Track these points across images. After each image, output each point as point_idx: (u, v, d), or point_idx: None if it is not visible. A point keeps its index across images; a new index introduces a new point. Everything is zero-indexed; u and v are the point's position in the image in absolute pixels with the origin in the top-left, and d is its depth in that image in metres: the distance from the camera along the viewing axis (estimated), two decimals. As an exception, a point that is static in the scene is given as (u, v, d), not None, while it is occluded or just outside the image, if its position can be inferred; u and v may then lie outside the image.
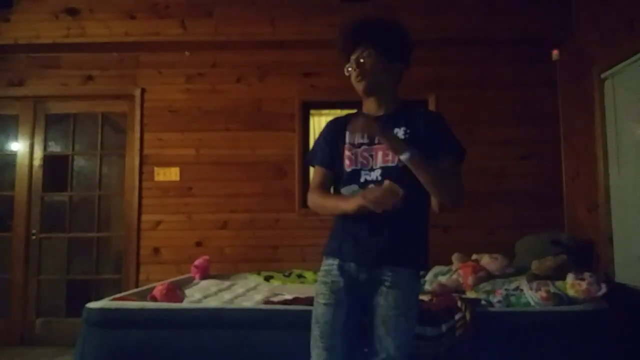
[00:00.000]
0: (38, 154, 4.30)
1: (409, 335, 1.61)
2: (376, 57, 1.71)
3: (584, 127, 3.69)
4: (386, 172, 1.62)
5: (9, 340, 4.04)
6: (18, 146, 4.32)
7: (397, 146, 1.54)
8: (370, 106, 1.77)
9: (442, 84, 4.16)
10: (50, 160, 4.33)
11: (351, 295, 1.62)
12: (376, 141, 1.66)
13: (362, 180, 1.65)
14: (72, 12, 4.02)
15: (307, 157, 1.91)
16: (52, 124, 4.38)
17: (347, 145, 1.73)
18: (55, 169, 4.31)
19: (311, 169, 1.91)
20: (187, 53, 4.24)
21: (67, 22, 4.01)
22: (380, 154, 1.66)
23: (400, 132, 1.66)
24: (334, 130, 1.81)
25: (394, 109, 1.74)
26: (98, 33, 4.01)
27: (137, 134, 4.19)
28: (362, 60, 1.71)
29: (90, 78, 4.27)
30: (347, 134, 1.73)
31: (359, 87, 1.73)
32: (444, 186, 1.59)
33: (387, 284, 1.59)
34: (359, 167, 1.68)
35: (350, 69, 1.75)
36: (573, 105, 3.92)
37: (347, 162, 1.70)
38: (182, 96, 4.23)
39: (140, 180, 4.16)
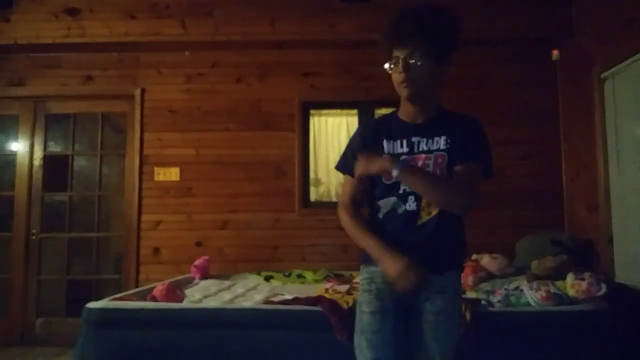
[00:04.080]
0: (38, 154, 4.30)
1: (454, 341, 1.55)
2: (428, 61, 1.55)
3: (584, 127, 3.69)
4: None
5: (9, 340, 4.04)
6: (18, 146, 4.32)
7: (385, 168, 1.48)
8: (408, 110, 1.63)
9: (441, 84, 4.15)
10: (50, 160, 4.33)
11: (398, 302, 1.54)
12: (416, 150, 1.59)
13: (401, 191, 1.57)
14: (72, 12, 4.02)
15: (338, 163, 1.75)
16: (52, 124, 4.38)
17: (385, 156, 1.60)
18: (55, 169, 4.31)
19: (338, 174, 1.79)
20: (187, 53, 4.24)
21: (67, 22, 4.01)
22: (419, 163, 1.57)
23: (441, 142, 1.57)
24: (371, 135, 1.67)
25: (434, 116, 1.63)
26: (98, 33, 4.01)
27: (137, 134, 4.19)
28: (411, 62, 1.54)
29: (90, 78, 4.27)
30: (385, 142, 1.63)
31: (404, 92, 1.58)
32: (442, 194, 1.51)
33: (433, 288, 1.53)
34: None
35: (392, 67, 1.58)
36: (573, 105, 3.92)
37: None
38: (182, 96, 4.24)
39: (140, 180, 4.16)
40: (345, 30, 3.94)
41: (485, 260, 3.16)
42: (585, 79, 3.61)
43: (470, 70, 4.17)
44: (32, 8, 4.02)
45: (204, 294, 2.94)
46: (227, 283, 3.38)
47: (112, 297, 2.55)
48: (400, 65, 1.55)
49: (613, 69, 3.28)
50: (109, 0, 4.03)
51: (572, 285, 2.42)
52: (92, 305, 2.34)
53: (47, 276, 4.22)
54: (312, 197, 4.35)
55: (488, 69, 4.18)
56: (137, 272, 4.08)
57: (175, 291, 2.77)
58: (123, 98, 4.27)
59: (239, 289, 3.19)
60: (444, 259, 1.57)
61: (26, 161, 4.28)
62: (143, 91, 4.23)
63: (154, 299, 2.66)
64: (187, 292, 3.02)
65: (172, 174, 4.17)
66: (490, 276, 2.95)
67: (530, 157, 4.08)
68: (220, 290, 3.11)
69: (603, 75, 3.40)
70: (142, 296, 2.73)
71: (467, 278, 2.89)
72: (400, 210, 1.57)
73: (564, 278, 2.53)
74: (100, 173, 4.33)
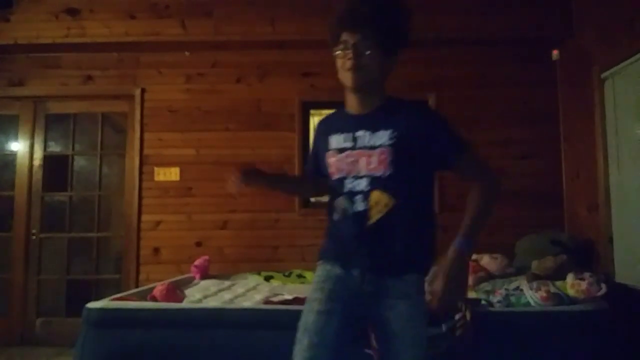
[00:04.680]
0: (38, 154, 4.30)
1: (424, 347, 1.45)
2: (376, 51, 1.48)
3: (584, 127, 3.69)
4: (373, 182, 1.47)
5: (9, 340, 4.04)
6: (18, 146, 4.32)
7: (458, 262, 1.43)
8: (352, 102, 1.57)
9: (442, 84, 4.16)
10: (50, 160, 4.33)
11: (350, 306, 1.46)
12: (359, 144, 1.50)
13: (345, 190, 1.50)
14: (72, 12, 4.02)
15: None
16: (52, 124, 4.38)
17: (331, 152, 1.56)
18: (55, 169, 4.31)
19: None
20: (187, 53, 4.24)
21: (67, 22, 4.01)
22: (363, 160, 1.49)
23: (385, 136, 1.47)
24: (320, 132, 1.66)
25: (378, 106, 1.54)
26: (98, 33, 4.01)
27: (137, 134, 4.19)
28: (361, 49, 1.47)
29: (90, 78, 4.27)
30: (331, 137, 1.57)
31: (348, 79, 1.50)
32: (492, 208, 1.55)
33: (395, 294, 1.44)
34: (343, 175, 1.52)
35: (340, 52, 1.51)
36: (573, 105, 3.92)
37: (331, 169, 1.55)
38: (182, 96, 4.24)
39: (140, 180, 4.16)
40: (345, 30, 3.94)
41: (485, 260, 3.16)
42: (585, 79, 3.61)
43: (470, 70, 4.18)
44: (32, 8, 4.02)
45: (204, 294, 2.94)
46: (227, 283, 3.38)
47: (112, 297, 2.55)
48: (350, 50, 1.48)
49: (613, 69, 3.28)
50: (109, 0, 4.03)
51: (572, 285, 2.42)
52: (92, 305, 2.34)
53: (47, 276, 4.22)
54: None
55: (488, 69, 4.18)
56: (137, 272, 4.08)
57: (175, 291, 2.78)
58: (123, 98, 4.26)
59: (239, 289, 3.19)
60: (400, 261, 1.47)
61: (26, 161, 4.28)
62: (143, 91, 4.23)
63: (154, 299, 2.66)
64: (187, 292, 3.01)
65: (172, 174, 4.17)
66: (490, 276, 2.95)
67: (530, 157, 4.08)
68: (220, 290, 3.11)
69: (603, 75, 3.40)
70: (142, 296, 2.73)
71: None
72: (349, 211, 1.49)
73: (564, 278, 2.53)
74: (100, 173, 4.33)
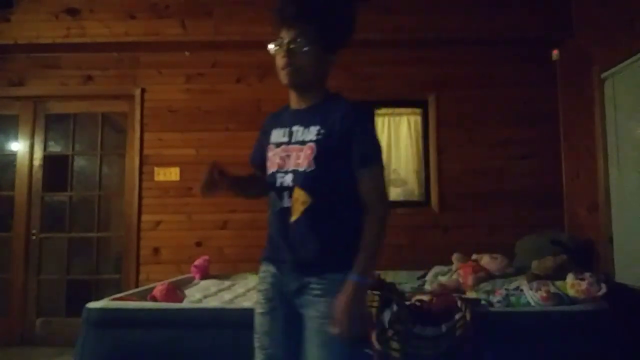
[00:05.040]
0: (38, 154, 4.30)
1: (343, 350, 1.37)
2: (311, 49, 1.45)
3: (584, 127, 3.69)
4: (297, 177, 1.44)
5: (9, 340, 4.04)
6: (18, 146, 4.32)
7: (356, 295, 1.35)
8: (293, 97, 1.55)
9: (442, 84, 4.16)
10: (50, 160, 4.33)
11: (287, 302, 1.47)
12: (293, 139, 1.49)
13: (277, 184, 1.48)
14: (72, 12, 4.02)
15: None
16: (52, 124, 4.38)
17: (270, 145, 1.55)
18: (55, 169, 4.31)
19: None
20: (187, 53, 4.24)
21: (67, 22, 4.01)
22: (294, 154, 1.46)
23: (314, 132, 1.45)
24: (266, 126, 1.62)
25: (315, 103, 1.51)
26: (98, 33, 4.01)
27: (137, 134, 4.19)
28: (292, 47, 1.44)
29: (90, 78, 4.27)
30: (273, 131, 1.56)
31: (282, 77, 1.48)
32: (381, 234, 1.43)
33: (316, 292, 1.41)
34: (276, 168, 1.50)
35: (275, 50, 1.48)
36: (573, 105, 3.92)
37: (268, 163, 1.54)
38: (182, 96, 4.23)
39: (140, 180, 4.16)
40: (345, 30, 3.94)
41: (485, 260, 3.15)
42: (585, 79, 3.61)
43: (470, 70, 4.18)
44: (32, 8, 4.02)
45: (204, 294, 2.94)
46: (227, 283, 3.38)
47: (112, 297, 2.55)
48: (283, 47, 1.45)
49: (613, 69, 3.29)
50: (109, 0, 4.03)
51: (572, 285, 2.42)
52: (92, 305, 2.34)
53: (47, 276, 4.22)
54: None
55: (488, 69, 4.18)
56: (137, 272, 4.07)
57: (175, 291, 2.78)
58: (123, 98, 4.26)
59: (239, 289, 3.19)
60: (319, 260, 1.42)
61: (26, 161, 4.28)
62: (143, 91, 4.23)
63: (154, 299, 2.66)
64: (187, 292, 3.02)
65: (172, 174, 4.17)
66: (490, 276, 2.95)
67: (530, 157, 4.08)
68: (220, 290, 3.11)
69: (603, 75, 3.40)
70: (142, 296, 2.73)
71: (467, 278, 2.89)
72: (277, 207, 1.49)
73: (564, 278, 2.53)
74: (100, 173, 4.33)
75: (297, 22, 1.45)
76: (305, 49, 1.44)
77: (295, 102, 1.55)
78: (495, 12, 3.96)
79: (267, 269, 1.55)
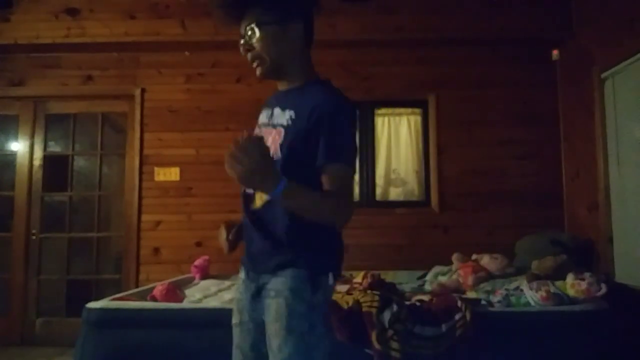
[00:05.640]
0: (38, 154, 4.30)
1: (301, 357, 1.22)
2: (263, 30, 1.31)
3: (584, 127, 3.69)
4: None
5: (9, 340, 4.04)
6: (18, 146, 4.32)
7: (267, 178, 1.14)
8: (279, 83, 1.47)
9: (442, 84, 4.16)
10: (50, 160, 4.33)
11: (254, 312, 1.35)
12: (272, 122, 1.38)
13: None
14: (72, 12, 4.02)
15: None
16: (52, 124, 4.37)
17: (256, 126, 1.48)
18: (55, 169, 4.31)
19: None
20: (187, 53, 4.24)
21: (67, 22, 4.01)
22: (269, 138, 1.33)
23: (286, 116, 1.33)
24: (262, 110, 1.53)
25: (297, 86, 1.39)
26: (98, 33, 4.01)
27: (137, 134, 4.19)
28: (247, 38, 1.34)
29: (90, 78, 4.27)
30: (262, 111, 1.48)
31: (256, 73, 1.39)
32: (320, 212, 1.23)
33: (270, 293, 1.28)
34: None
35: (242, 50, 1.37)
36: (573, 105, 3.92)
37: None
38: (182, 96, 4.23)
39: (140, 180, 4.16)
40: (345, 30, 3.94)
41: (485, 260, 3.15)
42: (585, 79, 3.61)
43: (470, 70, 4.18)
44: (32, 8, 4.02)
45: (204, 294, 2.94)
46: (227, 283, 3.38)
47: (112, 297, 2.55)
48: (242, 44, 1.35)
49: (613, 69, 3.29)
50: (109, 0, 4.03)
51: (572, 285, 2.42)
52: (92, 305, 2.34)
53: (47, 276, 4.22)
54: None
55: (488, 69, 4.18)
56: (137, 272, 4.07)
57: (175, 291, 2.78)
58: (123, 98, 4.26)
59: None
60: (278, 256, 1.29)
61: (26, 161, 4.28)
62: (143, 91, 4.23)
63: (154, 299, 2.66)
64: (187, 292, 3.02)
65: (172, 174, 4.17)
66: (490, 276, 2.95)
67: (530, 157, 4.08)
68: (220, 290, 3.10)
69: (603, 75, 3.40)
70: (142, 296, 2.73)
71: (467, 278, 2.89)
72: (246, 192, 1.39)
73: (564, 278, 2.53)
74: (100, 173, 4.33)
75: (240, 11, 1.33)
76: (257, 34, 1.31)
77: (280, 85, 1.46)
78: (495, 12, 3.96)
79: (240, 275, 1.47)
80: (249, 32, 1.32)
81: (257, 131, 1.44)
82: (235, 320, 1.42)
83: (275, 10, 1.32)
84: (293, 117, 1.31)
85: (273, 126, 1.36)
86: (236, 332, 1.41)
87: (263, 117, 1.45)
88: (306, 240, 1.29)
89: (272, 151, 1.26)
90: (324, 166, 1.25)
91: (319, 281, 1.29)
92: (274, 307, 1.26)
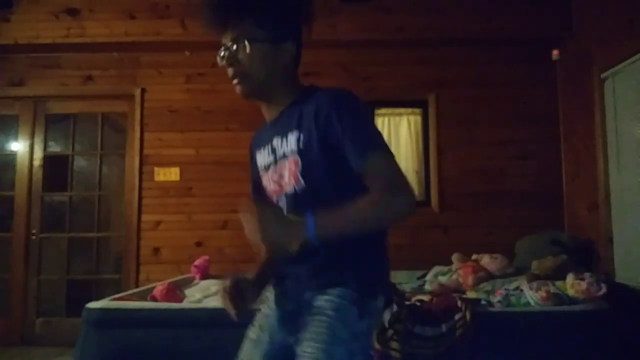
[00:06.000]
0: (38, 154, 4.30)
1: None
2: (254, 47, 1.19)
3: (584, 127, 3.69)
4: (289, 201, 1.21)
5: (9, 340, 4.04)
6: (18, 146, 4.32)
7: (292, 236, 1.04)
8: (263, 109, 1.32)
9: (442, 84, 4.16)
10: (50, 160, 4.33)
11: (278, 334, 1.26)
12: (278, 156, 1.24)
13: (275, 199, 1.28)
14: (72, 12, 4.02)
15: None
16: (52, 124, 4.37)
17: (261, 172, 1.32)
18: (55, 169, 4.31)
19: None
20: (187, 53, 4.24)
21: (67, 22, 4.01)
22: (286, 172, 1.21)
23: (292, 141, 1.18)
24: (251, 151, 1.40)
25: (287, 105, 1.26)
26: (98, 33, 4.01)
27: (137, 134, 4.19)
28: (234, 51, 1.21)
29: (90, 78, 4.27)
30: (257, 155, 1.33)
31: (237, 91, 1.25)
32: (367, 221, 1.10)
33: (313, 310, 1.15)
34: (276, 197, 1.26)
35: (220, 59, 1.24)
36: (573, 105, 3.92)
37: (267, 193, 1.31)
38: (182, 96, 4.23)
39: (140, 180, 4.15)
40: (345, 30, 3.94)
41: (485, 260, 3.16)
42: (585, 79, 3.61)
43: (470, 70, 4.18)
44: (32, 8, 4.02)
45: (204, 294, 2.94)
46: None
47: (112, 297, 2.55)
48: (224, 56, 1.22)
49: (613, 69, 3.29)
50: (109, 0, 4.03)
51: (572, 285, 2.42)
52: (92, 305, 2.34)
53: (47, 276, 4.22)
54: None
55: (488, 69, 4.17)
56: (137, 272, 4.07)
57: (175, 291, 2.78)
58: (123, 98, 4.26)
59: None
60: (324, 274, 1.17)
61: (26, 161, 4.28)
62: (143, 91, 4.23)
63: (154, 299, 2.66)
64: (187, 292, 3.02)
65: (172, 174, 4.17)
66: (490, 276, 2.95)
67: (530, 157, 4.08)
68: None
69: (603, 75, 3.40)
70: (142, 296, 2.73)
71: (467, 278, 2.89)
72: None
73: (564, 278, 2.53)
74: (100, 173, 4.33)
75: (229, 19, 1.21)
76: (248, 50, 1.19)
77: (267, 112, 1.31)
78: (495, 12, 3.96)
79: (270, 291, 1.34)
80: (236, 46, 1.20)
81: (264, 177, 1.30)
82: (252, 335, 1.31)
83: (270, 27, 1.20)
84: (300, 138, 1.17)
85: (282, 158, 1.22)
86: (248, 346, 1.30)
87: (263, 159, 1.30)
88: (354, 256, 1.17)
89: (293, 183, 1.18)
90: (361, 168, 1.11)
91: (367, 306, 1.16)
92: (313, 325, 1.13)
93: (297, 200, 1.19)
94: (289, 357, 1.17)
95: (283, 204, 1.23)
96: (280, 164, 1.23)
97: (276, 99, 1.26)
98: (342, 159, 1.13)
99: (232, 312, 1.25)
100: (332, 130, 1.13)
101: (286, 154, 1.21)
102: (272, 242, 1.06)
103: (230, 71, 1.23)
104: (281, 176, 1.23)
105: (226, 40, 1.22)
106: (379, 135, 1.16)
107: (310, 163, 1.16)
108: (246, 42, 1.19)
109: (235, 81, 1.23)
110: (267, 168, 1.29)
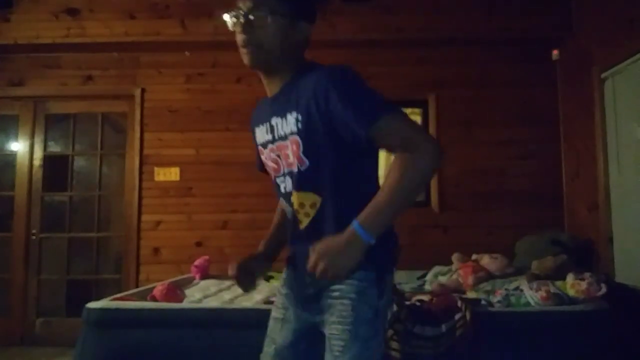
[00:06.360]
0: (38, 154, 4.30)
1: (359, 356, 1.15)
2: (275, 20, 1.19)
3: (584, 127, 3.69)
4: (294, 179, 1.23)
5: (9, 340, 4.04)
6: (18, 146, 4.32)
7: (353, 254, 1.09)
8: (265, 82, 1.31)
9: (442, 84, 4.16)
10: (50, 160, 4.33)
11: (301, 312, 1.30)
12: (276, 135, 1.25)
13: (282, 190, 1.29)
14: (72, 12, 4.02)
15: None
16: (52, 124, 4.37)
17: (259, 148, 1.34)
18: (55, 169, 4.31)
19: None
20: (187, 53, 4.24)
21: (67, 22, 4.01)
22: (283, 154, 1.25)
23: (292, 121, 1.19)
24: (251, 126, 1.40)
25: (285, 83, 1.25)
26: (98, 33, 4.01)
27: (137, 134, 4.19)
28: (252, 18, 1.18)
29: (90, 78, 4.27)
30: (256, 130, 1.34)
31: (243, 57, 1.23)
32: (409, 190, 1.11)
33: (333, 294, 1.19)
34: (274, 173, 1.31)
35: (233, 22, 1.21)
36: (573, 105, 3.92)
37: (266, 168, 1.36)
38: (182, 96, 4.23)
39: (140, 180, 4.16)
40: (345, 30, 3.94)
41: (485, 260, 3.15)
42: (585, 79, 3.60)
43: (470, 70, 4.18)
44: (32, 8, 4.02)
45: (204, 294, 2.94)
46: (227, 283, 3.38)
47: (112, 297, 2.55)
48: (240, 19, 1.19)
49: (613, 69, 3.28)
50: (109, 0, 4.03)
51: (572, 285, 2.42)
52: (92, 305, 2.34)
53: (47, 276, 4.22)
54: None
55: (488, 69, 4.18)
56: (137, 272, 4.08)
57: (175, 291, 2.78)
58: (123, 98, 4.26)
59: (239, 289, 3.18)
60: None
61: (26, 161, 4.28)
62: (143, 91, 4.23)
63: (154, 299, 2.66)
64: (187, 292, 3.02)
65: (172, 174, 4.17)
66: (490, 276, 2.95)
67: (530, 157, 4.08)
68: (220, 290, 3.11)
69: (603, 75, 3.40)
70: (142, 296, 2.73)
71: (467, 278, 2.89)
72: (289, 213, 1.30)
73: (564, 278, 2.53)
74: (100, 173, 4.33)
75: None
76: (266, 20, 1.18)
77: (269, 88, 1.30)
78: (495, 12, 3.96)
79: (287, 272, 1.38)
80: (256, 15, 1.18)
81: (263, 154, 1.33)
82: (277, 314, 1.36)
83: (292, 3, 1.21)
84: (299, 118, 1.18)
85: (282, 138, 1.23)
86: (276, 327, 1.35)
87: (261, 136, 1.32)
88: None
89: (297, 164, 1.20)
90: (368, 135, 1.10)
91: (384, 283, 1.21)
92: (338, 308, 1.18)
93: (302, 179, 1.21)
94: (317, 333, 1.25)
95: (283, 181, 1.27)
96: (278, 144, 1.25)
97: (280, 73, 1.26)
98: (344, 133, 1.14)
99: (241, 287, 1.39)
100: (332, 105, 1.13)
101: (286, 134, 1.22)
102: (340, 274, 1.10)
103: (241, 37, 1.21)
104: (279, 156, 1.26)
105: (244, 4, 1.20)
106: (381, 99, 1.15)
107: (312, 142, 1.18)
108: (268, 12, 1.18)
109: (245, 49, 1.22)
110: (264, 146, 1.31)
